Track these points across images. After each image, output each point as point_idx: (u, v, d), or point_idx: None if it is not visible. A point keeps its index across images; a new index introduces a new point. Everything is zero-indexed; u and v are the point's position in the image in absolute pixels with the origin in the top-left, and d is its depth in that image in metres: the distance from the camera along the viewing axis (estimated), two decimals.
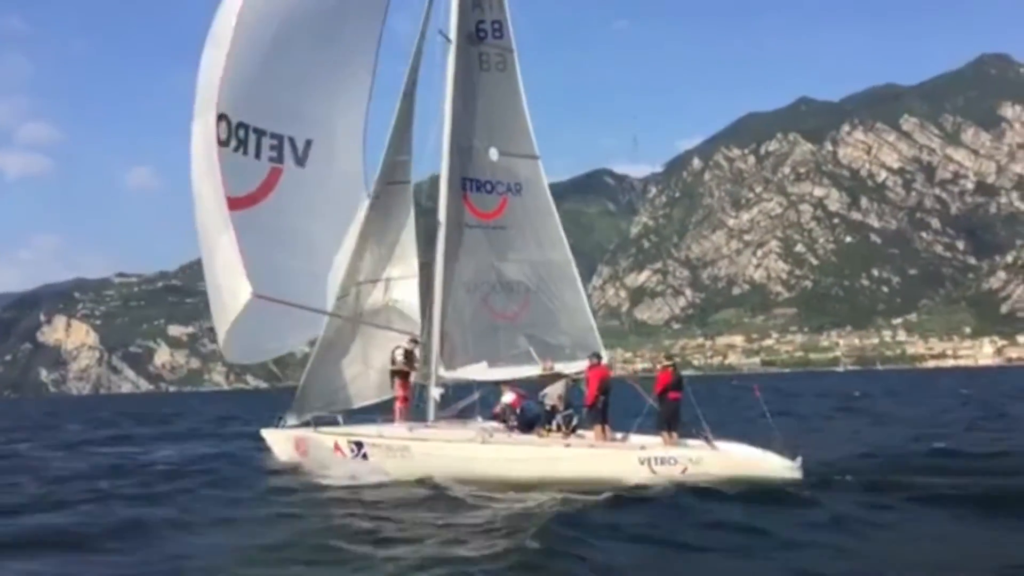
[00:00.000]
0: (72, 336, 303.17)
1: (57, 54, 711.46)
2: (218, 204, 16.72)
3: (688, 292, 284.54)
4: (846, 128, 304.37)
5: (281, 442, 18.80)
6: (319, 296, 18.53)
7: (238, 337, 17.57)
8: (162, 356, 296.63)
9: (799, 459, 14.92)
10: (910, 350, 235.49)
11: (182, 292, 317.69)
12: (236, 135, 17.12)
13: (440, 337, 18.16)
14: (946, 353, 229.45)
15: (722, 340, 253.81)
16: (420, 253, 19.09)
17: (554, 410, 16.64)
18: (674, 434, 15.99)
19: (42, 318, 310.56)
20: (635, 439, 16.44)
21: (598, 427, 16.38)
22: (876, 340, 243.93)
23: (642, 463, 15.12)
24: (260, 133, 17.55)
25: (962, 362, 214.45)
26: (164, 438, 31.13)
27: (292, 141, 18.10)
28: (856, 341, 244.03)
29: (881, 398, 50.36)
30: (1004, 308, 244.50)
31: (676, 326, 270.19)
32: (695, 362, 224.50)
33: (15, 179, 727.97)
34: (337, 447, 17.47)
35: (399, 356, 18.39)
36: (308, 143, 18.33)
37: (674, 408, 16.17)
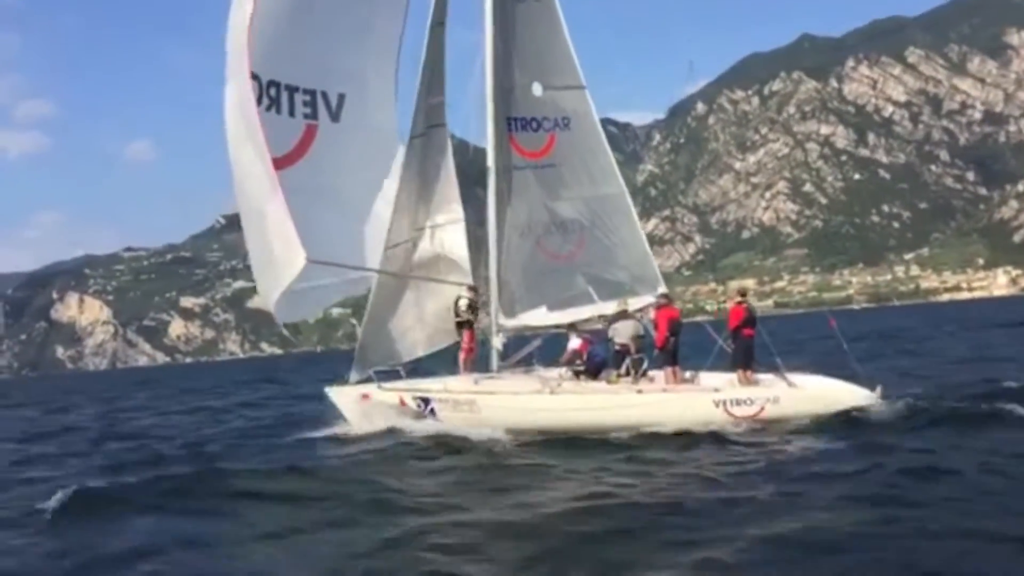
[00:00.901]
0: (86, 312, 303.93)
1: (48, 30, 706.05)
2: (264, 167, 16.21)
3: (697, 238, 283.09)
4: (850, 64, 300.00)
5: (347, 399, 18.41)
6: (366, 251, 18.10)
7: (290, 300, 17.23)
8: (176, 328, 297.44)
9: (879, 388, 14.55)
10: (924, 284, 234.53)
11: (192, 263, 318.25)
12: (268, 94, 16.70)
13: (498, 285, 17.65)
14: (960, 286, 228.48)
15: (734, 284, 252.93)
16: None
17: (623, 351, 16.14)
18: (749, 372, 15.51)
19: (55, 296, 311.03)
20: (707, 378, 16.00)
21: (669, 370, 15.94)
22: (889, 276, 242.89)
23: (717, 406, 14.67)
24: (292, 90, 17.14)
25: (977, 294, 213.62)
26: None
27: (325, 96, 17.66)
28: (869, 279, 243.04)
29: (922, 333, 49.30)
30: (1017, 237, 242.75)
31: (687, 273, 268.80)
32: (708, 307, 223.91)
33: (15, 158, 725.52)
34: (403, 402, 17.08)
35: (463, 306, 17.87)
36: (341, 97, 17.87)
37: (748, 345, 15.65)
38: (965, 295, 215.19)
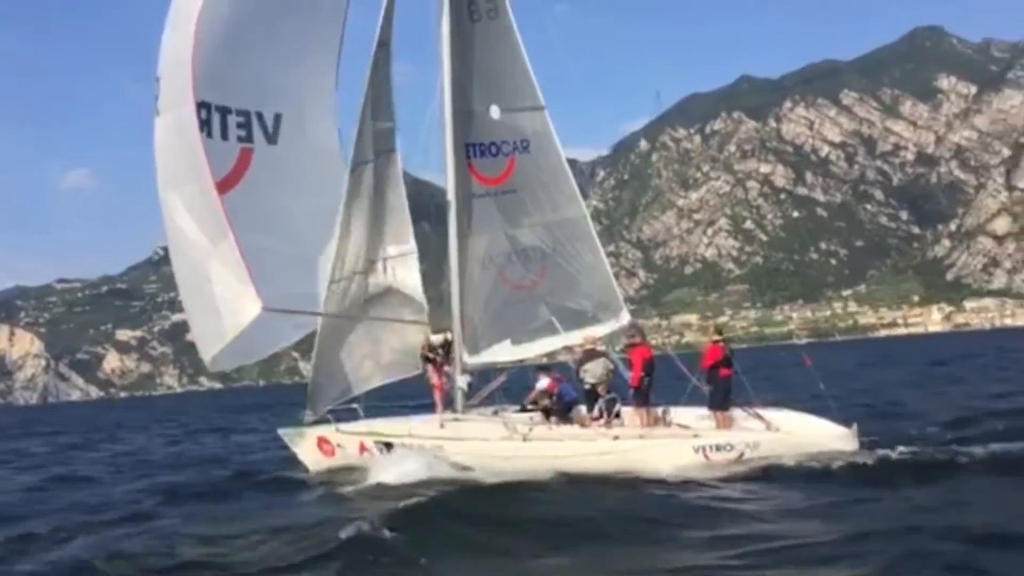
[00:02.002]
0: (16, 345, 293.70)
1: None
2: (208, 202, 14.93)
3: (641, 273, 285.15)
4: (788, 105, 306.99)
5: (302, 442, 17.30)
6: (317, 286, 16.83)
7: (233, 349, 16.00)
8: (111, 362, 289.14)
9: (855, 426, 14.02)
10: (862, 320, 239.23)
11: (128, 295, 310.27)
12: (199, 115, 15.29)
13: (460, 321, 16.73)
14: (897, 322, 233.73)
15: (677, 319, 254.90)
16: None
17: (594, 391, 15.36)
18: (727, 415, 14.87)
19: None
20: (678, 414, 15.30)
21: (643, 411, 15.18)
22: (828, 312, 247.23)
23: (697, 452, 13.99)
24: (224, 111, 15.80)
25: (913, 330, 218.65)
26: None
27: (260, 116, 16.41)
28: (809, 314, 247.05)
29: (876, 368, 49.28)
30: (950, 275, 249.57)
31: (631, 307, 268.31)
32: (653, 341, 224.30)
33: None
34: (363, 447, 16.03)
35: (437, 342, 16.97)
36: (278, 117, 16.63)
37: (726, 387, 14.98)
38: (902, 331, 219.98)
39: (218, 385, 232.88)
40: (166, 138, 15.45)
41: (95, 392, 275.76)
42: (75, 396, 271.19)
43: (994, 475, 12.33)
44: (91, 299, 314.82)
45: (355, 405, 17.20)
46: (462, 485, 13.57)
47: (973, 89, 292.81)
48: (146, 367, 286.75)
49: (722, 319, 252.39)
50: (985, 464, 12.79)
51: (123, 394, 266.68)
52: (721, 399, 14.94)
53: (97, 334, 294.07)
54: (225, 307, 15.25)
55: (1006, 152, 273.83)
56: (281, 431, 17.85)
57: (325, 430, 16.90)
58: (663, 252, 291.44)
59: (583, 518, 11.18)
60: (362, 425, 16.61)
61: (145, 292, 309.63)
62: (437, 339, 17.03)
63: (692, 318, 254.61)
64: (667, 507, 11.76)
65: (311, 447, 17.09)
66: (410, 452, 15.18)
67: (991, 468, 12.63)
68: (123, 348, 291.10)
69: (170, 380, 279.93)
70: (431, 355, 17.01)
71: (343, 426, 16.69)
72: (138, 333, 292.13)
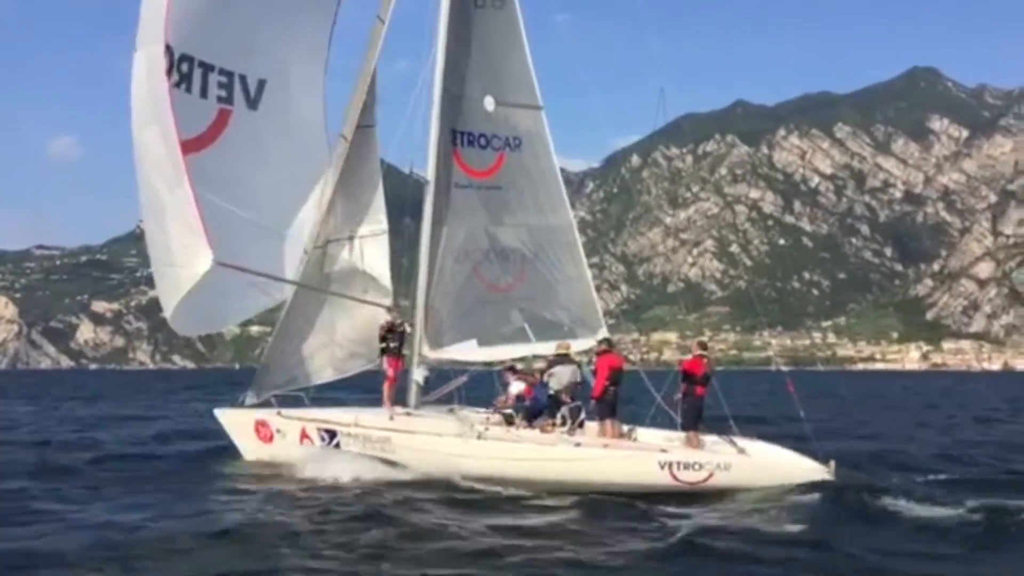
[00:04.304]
0: None
1: None
2: (168, 152, 14.20)
3: (624, 288, 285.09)
4: (782, 132, 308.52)
5: (239, 424, 16.47)
6: (284, 257, 16.25)
7: (193, 308, 15.16)
8: (85, 332, 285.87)
9: (832, 463, 13.23)
10: (840, 352, 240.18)
11: (107, 267, 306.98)
12: (179, 68, 14.61)
13: (424, 312, 15.95)
14: (875, 356, 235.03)
15: (656, 336, 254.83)
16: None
17: (558, 398, 14.56)
18: (698, 434, 14.09)
19: None
20: (646, 434, 14.55)
21: (607, 422, 14.34)
22: (808, 342, 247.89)
23: (663, 468, 13.10)
24: (207, 68, 15.11)
25: (890, 366, 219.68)
26: None
27: (244, 80, 15.74)
28: (788, 342, 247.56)
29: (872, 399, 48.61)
30: (930, 315, 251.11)
31: (611, 321, 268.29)
32: (631, 357, 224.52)
33: None
34: (304, 434, 15.23)
35: (383, 329, 16.14)
36: (261, 83, 15.97)
37: (699, 405, 14.19)
38: (879, 366, 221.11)
39: (191, 365, 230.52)
40: (139, 74, 14.83)
41: (66, 362, 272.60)
42: (45, 364, 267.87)
43: None
44: (69, 268, 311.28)
45: (301, 394, 16.43)
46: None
47: (964, 133, 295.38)
48: (120, 341, 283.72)
49: (701, 340, 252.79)
50: None
51: (94, 366, 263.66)
52: (693, 418, 14.17)
53: (72, 304, 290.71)
54: (180, 257, 14.57)
55: (993, 197, 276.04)
56: (217, 411, 17.00)
57: (265, 413, 16.07)
58: (647, 268, 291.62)
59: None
60: (306, 412, 15.83)
61: (125, 265, 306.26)
62: (383, 324, 16.25)
63: (671, 336, 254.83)
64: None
65: (247, 431, 16.23)
66: (351, 454, 14.52)
67: None
68: (98, 320, 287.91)
69: (143, 356, 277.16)
70: (389, 341, 16.18)
71: (285, 411, 15.88)
72: (114, 306, 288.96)
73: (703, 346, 15.06)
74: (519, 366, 16.03)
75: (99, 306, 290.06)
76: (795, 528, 11.08)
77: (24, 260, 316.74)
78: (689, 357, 14.57)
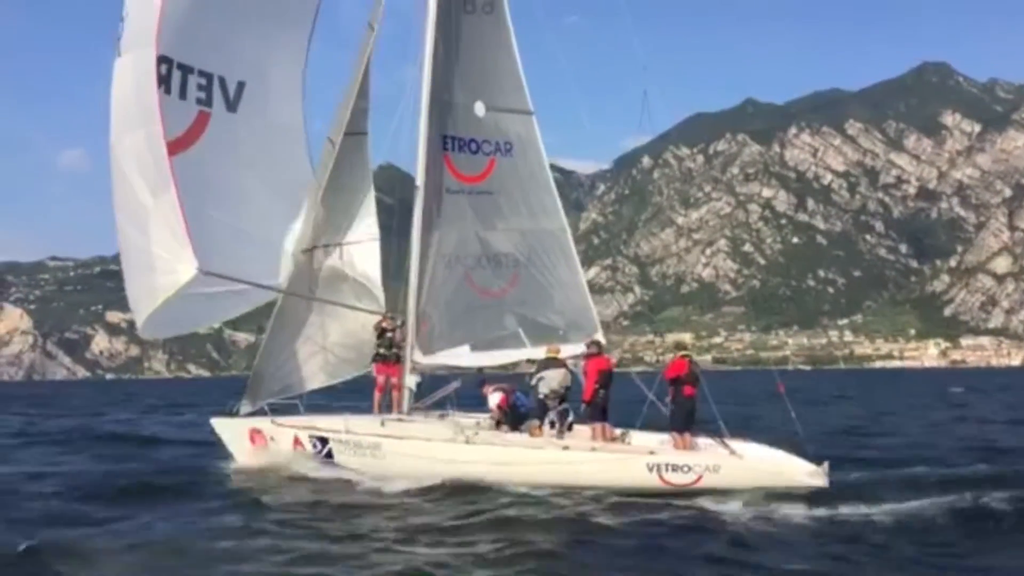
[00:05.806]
0: (5, 321, 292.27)
1: None
2: (154, 157, 14.11)
3: (637, 289, 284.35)
4: (793, 131, 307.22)
5: (233, 433, 16.42)
6: (258, 261, 16.01)
7: (168, 313, 15.02)
8: (100, 343, 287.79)
9: (826, 464, 12.92)
10: (858, 350, 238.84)
11: (120, 278, 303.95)
12: (158, 70, 14.47)
13: (416, 318, 15.88)
14: (892, 354, 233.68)
15: (672, 337, 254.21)
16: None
17: (546, 401, 14.41)
18: (687, 436, 13.88)
19: None
20: (638, 437, 14.37)
21: (597, 426, 14.23)
22: (824, 340, 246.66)
23: (651, 470, 12.96)
24: (186, 70, 14.92)
25: (908, 363, 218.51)
26: None
27: (223, 82, 15.59)
28: (805, 341, 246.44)
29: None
30: (947, 311, 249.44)
31: (625, 323, 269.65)
32: (646, 358, 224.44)
33: None
34: (297, 441, 15.17)
35: (375, 335, 16.16)
36: (240, 85, 15.83)
37: (689, 406, 13.96)
38: (897, 363, 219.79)
39: (205, 373, 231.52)
40: (123, 79, 14.71)
41: (82, 372, 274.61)
42: (61, 375, 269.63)
43: None
44: (83, 279, 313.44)
45: (296, 402, 16.41)
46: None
47: (977, 127, 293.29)
48: (135, 350, 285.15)
49: (717, 340, 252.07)
50: None
51: (109, 376, 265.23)
52: (683, 419, 13.96)
53: (87, 314, 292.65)
54: (161, 264, 14.47)
55: (1007, 192, 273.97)
56: (214, 420, 16.97)
57: (259, 422, 16.12)
58: (660, 269, 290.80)
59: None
60: (299, 419, 15.84)
61: None
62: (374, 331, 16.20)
63: (686, 337, 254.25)
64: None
65: (241, 437, 16.29)
66: (340, 462, 14.57)
67: None
68: (113, 330, 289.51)
69: (158, 365, 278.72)
70: (381, 349, 16.14)
71: (278, 419, 15.93)
72: (129, 316, 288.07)
73: (681, 346, 15.00)
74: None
75: (114, 316, 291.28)
76: (783, 529, 10.99)
77: (38, 272, 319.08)
78: (670, 362, 14.34)
